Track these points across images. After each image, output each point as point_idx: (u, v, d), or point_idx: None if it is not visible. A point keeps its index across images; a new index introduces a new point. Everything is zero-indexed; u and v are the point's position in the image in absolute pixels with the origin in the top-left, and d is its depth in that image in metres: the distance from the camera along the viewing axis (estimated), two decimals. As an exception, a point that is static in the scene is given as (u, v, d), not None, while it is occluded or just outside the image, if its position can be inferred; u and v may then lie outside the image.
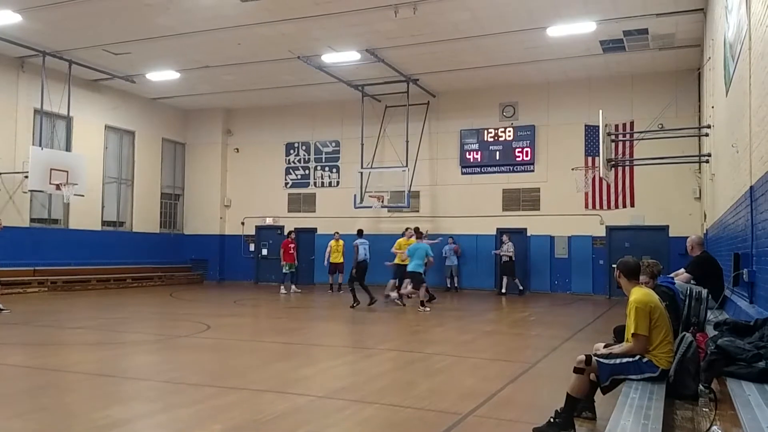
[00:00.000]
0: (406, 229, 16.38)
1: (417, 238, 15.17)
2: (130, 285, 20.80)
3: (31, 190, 17.94)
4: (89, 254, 20.23)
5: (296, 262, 19.39)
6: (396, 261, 15.66)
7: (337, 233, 19.71)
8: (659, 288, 5.76)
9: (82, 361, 8.01)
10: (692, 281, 7.60)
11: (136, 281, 21.14)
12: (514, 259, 18.85)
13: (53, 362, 7.90)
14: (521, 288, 19.00)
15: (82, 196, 18.78)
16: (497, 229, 20.28)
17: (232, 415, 5.43)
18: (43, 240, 19.03)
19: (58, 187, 17.70)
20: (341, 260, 19.34)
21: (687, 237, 9.09)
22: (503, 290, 18.87)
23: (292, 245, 19.12)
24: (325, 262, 19.62)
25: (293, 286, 18.99)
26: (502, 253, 18.92)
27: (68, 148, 19.42)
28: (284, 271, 19.01)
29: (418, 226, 17.06)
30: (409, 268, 14.57)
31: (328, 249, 19.35)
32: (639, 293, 4.79)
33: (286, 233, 20.39)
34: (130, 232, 22.30)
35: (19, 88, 18.39)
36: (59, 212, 19.85)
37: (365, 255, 15.78)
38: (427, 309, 14.19)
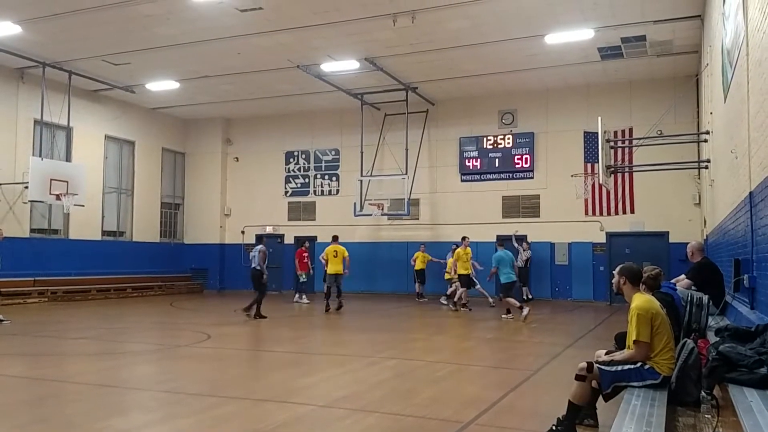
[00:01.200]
0: (463, 238, 16.58)
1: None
2: (131, 295, 20.78)
3: (31, 201, 17.97)
4: (89, 264, 20.22)
5: (310, 271, 19.21)
6: (460, 271, 15.94)
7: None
8: (658, 294, 5.76)
9: (83, 372, 7.99)
10: (693, 287, 7.59)
11: (136, 291, 21.12)
12: (527, 266, 18.86)
13: (54, 373, 7.88)
14: (530, 296, 18.90)
15: (82, 206, 18.80)
16: (497, 235, 20.20)
17: (233, 425, 5.42)
18: (44, 250, 19.03)
19: (58, 197, 17.72)
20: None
21: (687, 243, 9.08)
22: (526, 297, 18.64)
23: (306, 254, 18.98)
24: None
25: (304, 296, 18.85)
26: (522, 253, 18.92)
27: (68, 159, 19.45)
28: (301, 280, 18.84)
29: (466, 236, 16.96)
30: (503, 280, 14.18)
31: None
32: (640, 300, 4.78)
33: (299, 243, 20.26)
34: (131, 242, 22.31)
35: (19, 98, 18.44)
36: (59, 222, 19.85)
37: (255, 262, 14.91)
38: (511, 316, 14.03)
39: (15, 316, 13.54)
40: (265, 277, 14.81)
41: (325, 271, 15.95)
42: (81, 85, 19.42)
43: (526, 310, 13.37)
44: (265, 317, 14.09)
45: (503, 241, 14.49)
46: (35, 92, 18.24)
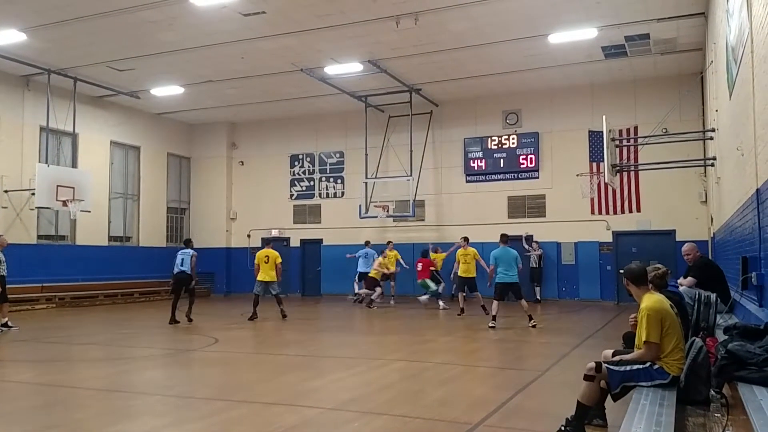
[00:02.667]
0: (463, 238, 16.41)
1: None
2: (138, 300, 20.83)
3: (38, 207, 18.05)
4: (96, 270, 20.30)
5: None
6: (461, 273, 15.57)
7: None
8: (666, 293, 5.74)
9: (91, 377, 8.01)
10: (695, 285, 7.59)
11: (143, 296, 21.18)
12: (540, 265, 18.90)
13: (62, 379, 7.91)
14: (538, 298, 18.91)
15: (89, 212, 18.88)
16: (501, 234, 20.22)
17: (242, 428, 5.43)
18: (51, 256, 19.11)
19: (64, 203, 17.80)
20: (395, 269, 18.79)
21: (695, 241, 9.06)
22: (538, 297, 18.87)
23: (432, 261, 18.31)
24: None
25: (441, 301, 17.68)
26: (531, 253, 18.92)
27: (74, 165, 19.52)
28: (432, 289, 17.98)
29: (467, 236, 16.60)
30: (497, 280, 12.89)
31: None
32: (650, 300, 4.75)
33: (423, 254, 18.73)
34: (137, 247, 22.38)
35: (24, 106, 18.54)
36: (66, 228, 19.93)
37: (181, 266, 14.35)
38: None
39: (23, 323, 13.60)
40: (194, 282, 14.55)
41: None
42: (86, 91, 19.52)
43: (492, 323, 12.38)
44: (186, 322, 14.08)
45: (507, 238, 13.36)
46: (41, 99, 18.32)
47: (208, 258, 23.83)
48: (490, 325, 12.43)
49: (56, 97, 18.46)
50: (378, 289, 17.74)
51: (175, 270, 14.44)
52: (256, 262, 14.96)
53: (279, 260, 14.89)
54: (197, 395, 6.78)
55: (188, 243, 15.13)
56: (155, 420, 5.85)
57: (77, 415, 6.02)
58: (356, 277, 19.26)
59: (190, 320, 14.19)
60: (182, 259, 14.35)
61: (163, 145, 23.62)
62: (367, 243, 19.52)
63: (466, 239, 16.12)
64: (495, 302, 12.71)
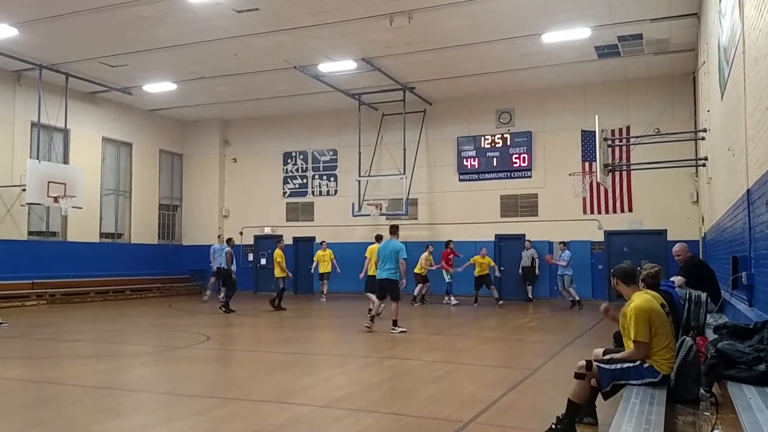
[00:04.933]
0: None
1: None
2: (129, 297, 20.75)
3: (28, 203, 17.94)
4: (88, 266, 20.20)
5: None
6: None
7: (324, 242, 19.97)
8: (657, 292, 5.76)
9: (82, 374, 7.97)
10: (685, 285, 7.62)
11: (134, 293, 21.10)
12: (533, 265, 18.93)
13: (52, 375, 7.87)
14: (530, 297, 19.02)
15: (80, 208, 18.77)
16: (495, 235, 20.32)
17: (233, 426, 5.41)
18: (42, 253, 19.01)
19: (55, 199, 17.69)
20: (329, 269, 19.47)
21: (686, 241, 9.10)
22: (530, 296, 19.01)
23: (451, 255, 18.50)
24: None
25: (453, 297, 18.14)
26: (556, 262, 17.91)
27: (66, 161, 19.41)
28: (447, 280, 18.31)
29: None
30: (389, 276, 11.87)
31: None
32: (640, 299, 4.77)
33: (446, 244, 18.89)
34: (129, 244, 22.28)
35: (15, 101, 18.42)
36: (57, 225, 19.83)
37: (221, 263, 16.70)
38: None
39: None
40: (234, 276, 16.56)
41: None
42: (78, 87, 19.40)
43: (368, 324, 11.74)
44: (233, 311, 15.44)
45: (396, 229, 12.36)
46: (32, 95, 18.20)
47: (200, 255, 23.77)
48: (366, 325, 11.75)
49: (48, 93, 18.35)
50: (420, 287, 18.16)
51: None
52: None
53: (278, 258, 16.46)
54: (187, 392, 6.76)
55: (228, 241, 17.29)
56: (145, 417, 5.83)
57: (67, 412, 5.99)
58: (212, 275, 18.65)
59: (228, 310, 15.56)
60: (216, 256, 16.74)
61: (156, 142, 23.52)
62: (221, 237, 19.94)
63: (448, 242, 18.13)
64: (376, 300, 12.01)
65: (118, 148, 22.14)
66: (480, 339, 11.36)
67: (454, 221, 20.75)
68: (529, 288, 19.06)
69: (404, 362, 8.78)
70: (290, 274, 17.17)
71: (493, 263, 18.05)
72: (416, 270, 17.99)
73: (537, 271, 18.97)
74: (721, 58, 9.01)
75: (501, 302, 17.31)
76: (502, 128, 20.58)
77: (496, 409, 5.91)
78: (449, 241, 18.67)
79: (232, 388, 7.00)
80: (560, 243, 18.02)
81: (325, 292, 19.40)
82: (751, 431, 3.16)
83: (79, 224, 20.05)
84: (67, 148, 19.69)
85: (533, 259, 18.98)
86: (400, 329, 11.50)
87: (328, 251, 19.49)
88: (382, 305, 12.23)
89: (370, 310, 12.34)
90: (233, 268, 16.62)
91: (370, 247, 14.76)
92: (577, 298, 16.78)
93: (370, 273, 13.81)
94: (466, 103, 20.92)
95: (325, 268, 19.40)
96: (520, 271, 19.13)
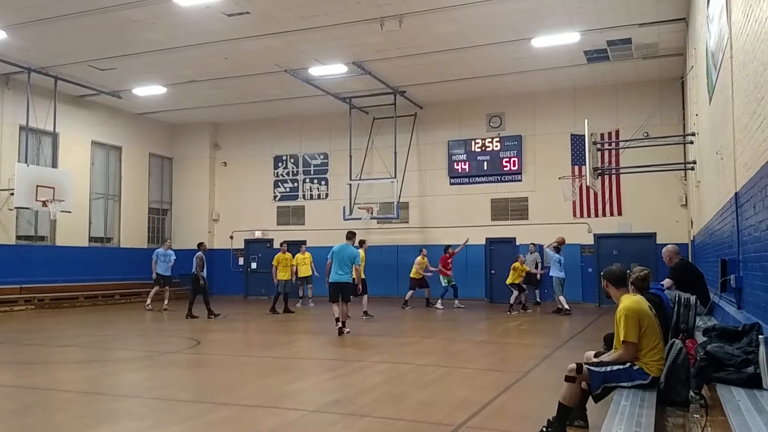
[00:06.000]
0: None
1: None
2: (119, 301, 20.61)
3: (17, 207, 17.79)
4: (77, 271, 20.06)
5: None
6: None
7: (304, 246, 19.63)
8: (647, 295, 5.80)
9: (71, 380, 7.92)
10: (674, 287, 7.67)
11: (124, 297, 20.95)
12: (535, 270, 18.66)
13: (41, 381, 7.81)
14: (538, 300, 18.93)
15: (69, 212, 18.66)
16: (486, 238, 20.37)
17: (223, 431, 5.39)
18: (30, 257, 18.86)
19: (44, 203, 17.58)
20: (309, 273, 18.97)
21: (675, 244, 9.16)
22: (537, 300, 18.96)
23: (450, 260, 18.42)
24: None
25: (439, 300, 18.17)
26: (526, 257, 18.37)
27: (54, 165, 19.29)
28: (443, 284, 18.24)
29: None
30: (343, 279, 12.20)
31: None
32: (628, 301, 4.82)
33: (444, 249, 18.73)
34: (118, 248, 22.16)
35: (4, 104, 18.30)
36: (46, 229, 19.69)
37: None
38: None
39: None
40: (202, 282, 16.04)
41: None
42: (67, 90, 19.30)
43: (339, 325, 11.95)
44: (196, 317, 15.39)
45: (353, 235, 12.85)
46: (20, 98, 18.08)
47: (190, 259, 23.62)
48: (338, 326, 11.96)
49: (36, 96, 18.22)
50: (427, 290, 18.32)
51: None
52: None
53: (274, 262, 17.36)
54: (178, 398, 6.72)
55: (200, 246, 16.87)
56: (135, 423, 5.79)
57: (56, 418, 5.95)
58: (154, 282, 18.39)
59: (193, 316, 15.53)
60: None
61: (145, 146, 23.42)
62: (167, 242, 19.16)
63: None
64: (333, 305, 12.12)
65: (108, 151, 22.03)
66: (471, 342, 11.37)
67: (445, 225, 20.79)
68: (536, 292, 19.08)
69: (396, 366, 8.77)
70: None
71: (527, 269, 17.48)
72: (411, 274, 17.99)
73: (539, 276, 18.98)
74: (709, 63, 9.09)
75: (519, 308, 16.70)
76: (493, 132, 20.66)
77: (488, 412, 5.92)
78: (448, 246, 18.56)
79: (222, 393, 6.97)
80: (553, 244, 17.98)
81: (310, 296, 19.25)
82: (740, 433, 3.18)
83: (68, 228, 19.92)
84: (56, 152, 19.57)
85: (536, 263, 18.98)
86: (347, 330, 12.00)
87: (308, 254, 19.05)
88: (344, 306, 12.25)
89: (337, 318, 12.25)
90: (203, 273, 16.07)
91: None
92: (566, 307, 16.05)
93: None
94: (456, 107, 20.98)
95: (305, 272, 18.85)
96: (524, 274, 19.12)
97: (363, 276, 15.94)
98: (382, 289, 19.76)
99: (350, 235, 12.74)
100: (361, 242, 16.85)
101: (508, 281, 17.11)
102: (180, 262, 23.88)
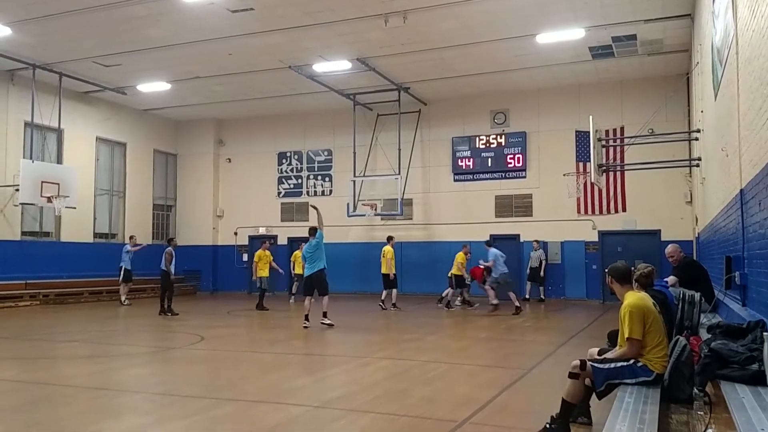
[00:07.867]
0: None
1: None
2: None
3: (22, 203, 17.87)
4: (81, 267, 20.11)
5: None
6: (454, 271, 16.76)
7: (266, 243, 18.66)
8: (651, 292, 5.79)
9: (76, 375, 7.95)
10: (678, 284, 7.65)
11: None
12: (539, 266, 18.83)
13: (46, 376, 7.84)
14: (527, 297, 18.90)
15: (74, 208, 18.71)
16: (490, 235, 20.31)
17: (227, 426, 5.40)
18: (35, 253, 18.92)
19: (49, 199, 17.63)
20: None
21: (680, 241, 9.14)
22: (529, 296, 18.95)
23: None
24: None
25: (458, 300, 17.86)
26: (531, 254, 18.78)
27: (59, 161, 19.34)
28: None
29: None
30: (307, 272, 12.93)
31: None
32: (633, 297, 4.81)
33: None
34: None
35: (9, 101, 18.33)
36: (51, 225, 19.75)
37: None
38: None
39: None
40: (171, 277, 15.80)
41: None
42: (71, 86, 19.32)
43: (305, 323, 12.31)
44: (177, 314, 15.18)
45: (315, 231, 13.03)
46: (25, 94, 18.12)
47: (194, 255, 23.73)
48: (304, 324, 12.29)
49: (41, 92, 18.27)
50: (449, 290, 17.10)
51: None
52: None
53: (255, 259, 17.32)
54: (182, 393, 6.74)
55: (170, 241, 16.74)
56: (140, 418, 5.81)
57: (61, 413, 5.97)
58: (120, 277, 18.48)
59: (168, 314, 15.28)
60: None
61: (150, 142, 23.45)
62: (132, 239, 19.02)
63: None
64: (306, 299, 12.63)
65: (112, 147, 22.07)
66: (474, 339, 11.37)
67: (449, 221, 20.77)
68: (541, 289, 19.06)
69: (399, 362, 8.78)
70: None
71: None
72: (454, 271, 16.85)
73: (542, 272, 18.96)
74: (715, 59, 9.05)
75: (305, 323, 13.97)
76: (497, 129, 20.62)
77: (491, 408, 5.92)
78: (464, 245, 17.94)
79: (226, 389, 6.99)
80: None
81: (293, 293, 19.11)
82: (744, 430, 3.17)
83: (72, 224, 19.97)
84: (60, 148, 19.62)
85: (541, 261, 18.99)
86: (329, 322, 12.39)
87: (267, 252, 18.66)
88: (313, 300, 12.71)
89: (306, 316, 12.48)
90: (171, 269, 15.87)
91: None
92: (517, 304, 15.36)
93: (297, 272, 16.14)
94: (460, 104, 20.94)
95: (300, 268, 18.60)
96: (528, 271, 19.18)
97: (394, 270, 16.81)
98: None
99: (312, 231, 13.04)
100: (389, 238, 17.30)
101: (450, 273, 16.80)
102: (182, 259, 24.02)
